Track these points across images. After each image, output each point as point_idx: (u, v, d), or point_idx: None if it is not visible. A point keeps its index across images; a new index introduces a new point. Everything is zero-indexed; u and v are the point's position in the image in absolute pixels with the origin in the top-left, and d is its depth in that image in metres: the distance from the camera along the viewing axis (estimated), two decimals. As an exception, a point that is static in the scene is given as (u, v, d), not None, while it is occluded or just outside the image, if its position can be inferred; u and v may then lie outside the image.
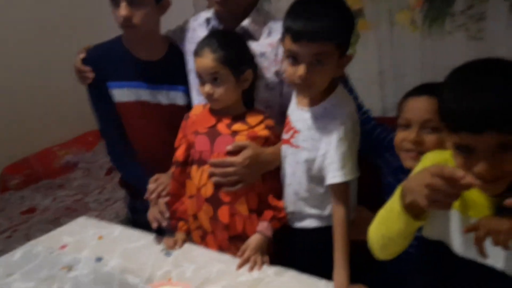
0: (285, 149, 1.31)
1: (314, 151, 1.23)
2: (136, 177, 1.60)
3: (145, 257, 1.34)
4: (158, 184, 1.44)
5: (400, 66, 2.32)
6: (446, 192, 0.75)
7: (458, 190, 0.76)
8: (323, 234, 1.24)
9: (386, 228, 0.92)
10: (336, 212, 1.21)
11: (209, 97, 1.31)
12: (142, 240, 1.44)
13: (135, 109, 1.59)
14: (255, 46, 1.39)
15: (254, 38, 1.42)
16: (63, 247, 1.43)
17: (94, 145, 3.08)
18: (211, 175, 1.30)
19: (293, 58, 1.15)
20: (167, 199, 1.41)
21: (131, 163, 1.63)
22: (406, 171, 1.03)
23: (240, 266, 1.24)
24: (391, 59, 2.28)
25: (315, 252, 1.28)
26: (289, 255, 1.33)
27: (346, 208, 1.20)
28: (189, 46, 1.52)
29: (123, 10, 1.44)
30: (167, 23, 1.63)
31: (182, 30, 1.59)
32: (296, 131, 1.26)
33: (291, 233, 1.34)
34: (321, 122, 1.22)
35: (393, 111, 1.28)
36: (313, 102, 1.24)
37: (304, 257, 1.30)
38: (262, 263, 1.24)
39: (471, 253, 0.87)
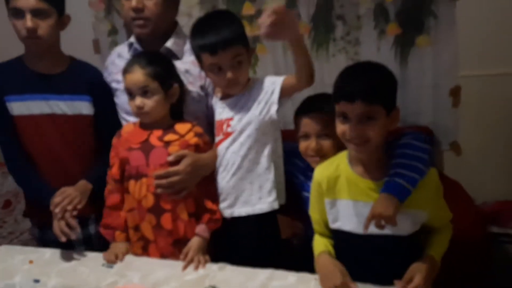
0: (221, 149, 1.45)
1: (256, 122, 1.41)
2: (37, 190, 1.58)
3: (85, 273, 1.36)
4: (64, 197, 1.46)
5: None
6: None
7: None
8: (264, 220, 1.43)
9: None
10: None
11: (139, 109, 1.38)
12: (77, 258, 1.45)
13: (38, 121, 1.61)
14: (179, 64, 1.53)
15: (177, 57, 1.56)
16: (-10, 276, 1.38)
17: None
18: (157, 187, 1.36)
19: (218, 68, 1.37)
20: (75, 213, 1.44)
21: (33, 177, 1.61)
22: (312, 169, 1.36)
23: (186, 267, 1.34)
24: (286, 76, 2.57)
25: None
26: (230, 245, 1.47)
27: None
28: (114, 77, 1.61)
29: (29, 21, 1.48)
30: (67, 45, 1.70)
31: (106, 70, 1.67)
32: (229, 119, 1.44)
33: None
34: (249, 96, 1.43)
35: (291, 124, 1.56)
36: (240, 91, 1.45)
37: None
38: (205, 261, 1.36)
39: (360, 229, 1.19)
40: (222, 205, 1.46)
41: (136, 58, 1.42)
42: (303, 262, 1.39)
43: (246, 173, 1.42)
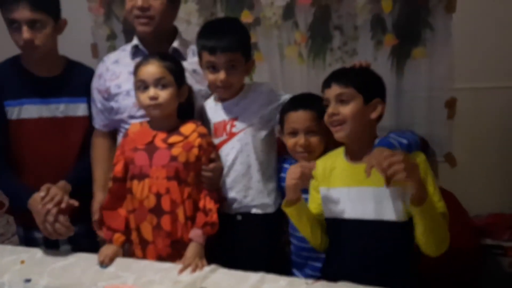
0: (226, 149, 1.48)
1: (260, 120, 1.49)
2: (19, 196, 1.55)
3: (79, 272, 1.34)
4: (47, 193, 1.47)
5: (290, 93, 2.63)
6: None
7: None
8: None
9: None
10: None
11: (153, 100, 1.38)
12: (71, 258, 1.43)
13: (37, 125, 1.62)
14: (186, 65, 1.55)
15: (183, 58, 1.59)
16: (-21, 275, 1.36)
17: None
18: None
19: (213, 66, 1.43)
20: (63, 205, 1.45)
21: (15, 182, 1.60)
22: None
23: (182, 271, 1.32)
24: (282, 87, 2.59)
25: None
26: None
27: None
28: (113, 82, 1.59)
29: (26, 33, 1.50)
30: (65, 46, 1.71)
31: (99, 79, 1.63)
32: (234, 119, 1.48)
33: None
34: (250, 99, 1.50)
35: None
36: (232, 95, 1.51)
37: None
38: (202, 266, 1.34)
39: (354, 213, 1.27)
40: (229, 201, 1.50)
41: (151, 55, 1.43)
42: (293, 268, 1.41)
43: (253, 172, 1.48)
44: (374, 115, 1.27)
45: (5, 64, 1.66)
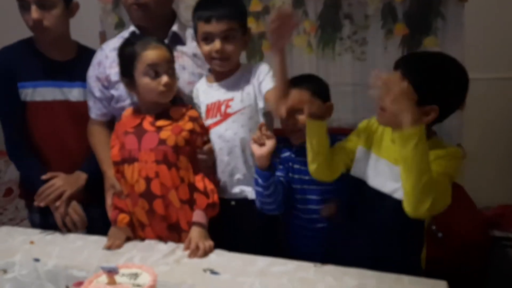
0: (219, 130, 1.46)
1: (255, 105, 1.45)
2: (34, 175, 1.60)
3: (87, 254, 1.35)
4: (49, 186, 1.54)
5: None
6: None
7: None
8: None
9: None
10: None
11: (168, 87, 1.36)
12: (79, 241, 1.44)
13: (51, 107, 1.63)
14: (186, 49, 1.54)
15: (183, 42, 1.58)
16: (-11, 254, 1.38)
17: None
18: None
19: (210, 37, 1.40)
20: (63, 198, 1.51)
21: (34, 165, 1.63)
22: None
23: (191, 256, 1.31)
24: (291, 76, 2.57)
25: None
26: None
27: None
28: (113, 70, 1.56)
29: (34, 13, 1.50)
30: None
31: (98, 67, 1.61)
32: (228, 100, 1.45)
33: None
34: (246, 79, 1.46)
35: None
36: (227, 75, 1.48)
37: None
38: (210, 247, 1.34)
39: (377, 184, 1.26)
40: (222, 185, 1.48)
41: (151, 38, 1.40)
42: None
43: (246, 155, 1.45)
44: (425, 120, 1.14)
45: (18, 45, 1.66)
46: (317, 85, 1.42)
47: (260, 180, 1.37)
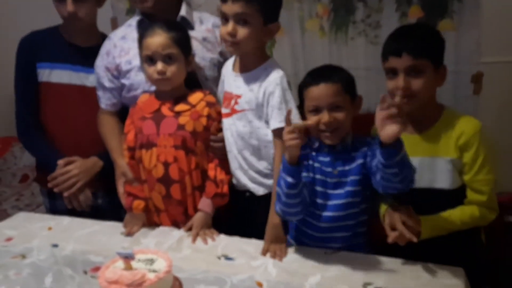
0: (226, 123, 1.42)
1: (257, 110, 1.36)
2: (46, 155, 1.66)
3: (104, 239, 1.39)
4: (62, 173, 1.57)
5: (311, 68, 2.60)
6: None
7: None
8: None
9: None
10: (277, 155, 1.32)
11: (160, 75, 1.35)
12: (96, 226, 1.47)
13: (65, 90, 1.67)
14: (195, 34, 1.52)
15: (191, 26, 1.56)
16: (9, 239, 1.41)
17: (4, 152, 2.89)
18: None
19: (225, 18, 1.31)
20: (74, 189, 1.56)
21: (43, 143, 1.67)
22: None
23: (194, 241, 1.35)
24: (303, 61, 2.55)
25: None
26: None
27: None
28: (123, 59, 1.56)
29: (70, 6, 1.55)
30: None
31: (107, 54, 1.59)
32: (238, 96, 1.39)
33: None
34: (259, 84, 1.35)
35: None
36: (248, 67, 1.38)
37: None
38: (211, 235, 1.36)
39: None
40: (236, 176, 1.46)
41: (156, 24, 1.37)
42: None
43: (251, 152, 1.40)
44: (441, 83, 1.24)
45: (45, 30, 1.73)
46: (346, 81, 1.27)
47: (289, 178, 1.17)
